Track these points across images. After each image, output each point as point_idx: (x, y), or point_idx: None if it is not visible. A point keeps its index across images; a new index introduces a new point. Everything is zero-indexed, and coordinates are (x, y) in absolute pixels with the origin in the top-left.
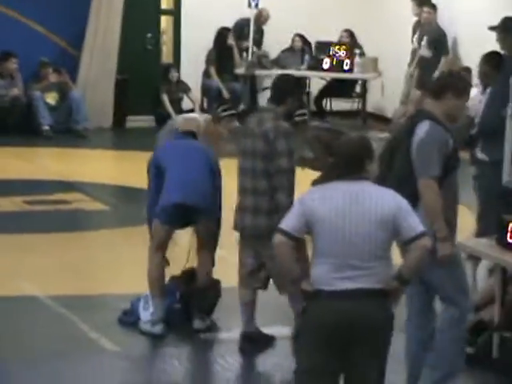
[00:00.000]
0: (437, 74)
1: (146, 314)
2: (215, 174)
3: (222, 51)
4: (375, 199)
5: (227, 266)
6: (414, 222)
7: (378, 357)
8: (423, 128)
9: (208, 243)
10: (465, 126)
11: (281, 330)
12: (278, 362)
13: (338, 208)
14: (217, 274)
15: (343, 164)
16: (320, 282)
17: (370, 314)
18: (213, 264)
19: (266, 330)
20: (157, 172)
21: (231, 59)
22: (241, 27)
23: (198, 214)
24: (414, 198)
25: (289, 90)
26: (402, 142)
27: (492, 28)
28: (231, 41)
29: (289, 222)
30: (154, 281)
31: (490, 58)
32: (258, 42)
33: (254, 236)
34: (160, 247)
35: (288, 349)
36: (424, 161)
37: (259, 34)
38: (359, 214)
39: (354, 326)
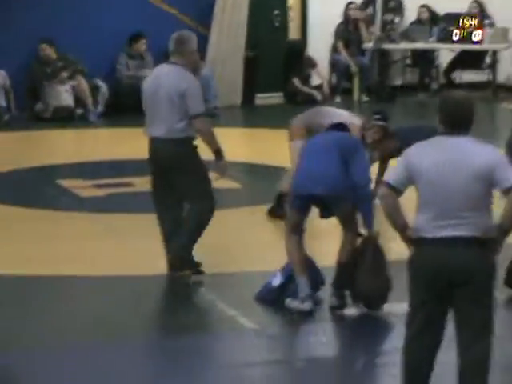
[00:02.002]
0: None
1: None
2: (349, 163)
3: (349, 26)
4: (473, 153)
5: None
6: (510, 175)
7: (480, 302)
8: None
9: (345, 224)
10: None
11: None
12: None
13: (438, 162)
14: None
15: (447, 120)
16: (421, 229)
17: (467, 260)
18: (354, 244)
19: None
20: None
21: (359, 33)
22: None
23: (328, 201)
24: None
25: None
26: None
27: None
28: (358, 15)
29: (392, 175)
30: (295, 261)
31: None
32: (398, 10)
33: None
34: (294, 230)
35: None
36: None
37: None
38: (457, 167)
39: (451, 271)
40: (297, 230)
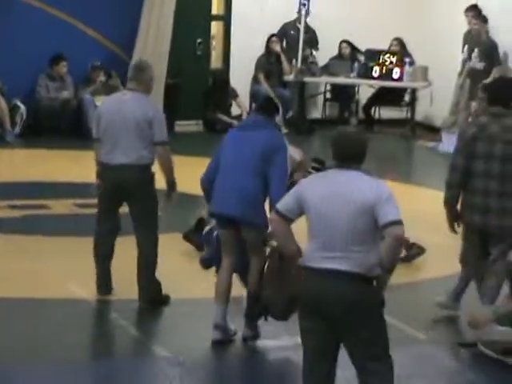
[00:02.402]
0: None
1: None
2: (269, 167)
3: (271, 58)
4: (359, 188)
5: None
6: (389, 211)
7: (363, 338)
8: None
9: (253, 250)
10: None
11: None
12: None
13: (324, 195)
14: None
15: (339, 155)
16: (307, 259)
17: (346, 294)
18: (262, 272)
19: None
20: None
21: (280, 65)
22: (285, 31)
23: (240, 222)
24: None
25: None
26: None
27: None
28: (279, 48)
29: (284, 202)
30: (217, 289)
31: None
32: (314, 43)
33: (499, 236)
34: (226, 250)
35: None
36: None
37: (310, 33)
38: (342, 201)
39: (329, 304)
40: (229, 251)
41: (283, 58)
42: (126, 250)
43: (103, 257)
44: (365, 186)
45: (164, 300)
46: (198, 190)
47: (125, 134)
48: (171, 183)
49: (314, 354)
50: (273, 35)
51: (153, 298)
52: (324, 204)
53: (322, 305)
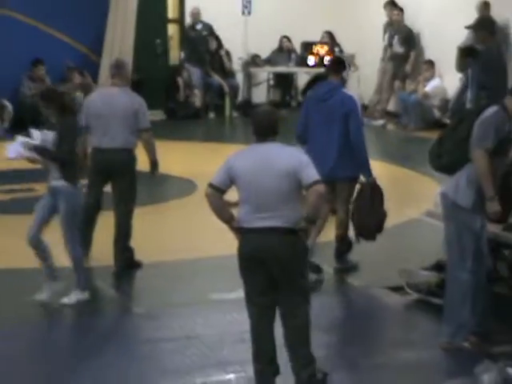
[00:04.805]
0: (408, 66)
1: None
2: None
3: (215, 55)
4: (278, 156)
5: None
6: (311, 173)
7: (293, 281)
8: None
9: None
10: None
11: None
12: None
13: (250, 165)
14: None
15: (257, 130)
16: (241, 221)
17: (276, 246)
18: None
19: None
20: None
21: (220, 60)
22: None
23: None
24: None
25: None
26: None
27: (468, 27)
28: (215, 46)
29: (216, 177)
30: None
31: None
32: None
33: None
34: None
35: None
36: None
37: (207, 29)
38: (266, 169)
39: (264, 255)
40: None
41: (223, 53)
42: (105, 223)
43: (86, 227)
44: (282, 154)
45: (136, 265)
46: (164, 169)
47: (114, 122)
48: (155, 163)
49: (260, 309)
50: (206, 36)
51: (126, 263)
52: (252, 173)
53: (257, 258)
